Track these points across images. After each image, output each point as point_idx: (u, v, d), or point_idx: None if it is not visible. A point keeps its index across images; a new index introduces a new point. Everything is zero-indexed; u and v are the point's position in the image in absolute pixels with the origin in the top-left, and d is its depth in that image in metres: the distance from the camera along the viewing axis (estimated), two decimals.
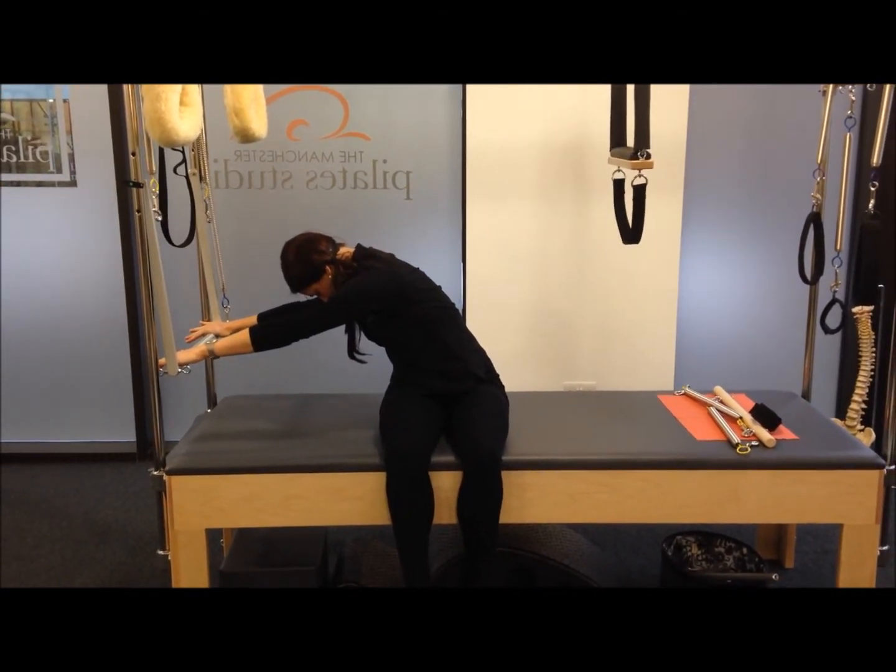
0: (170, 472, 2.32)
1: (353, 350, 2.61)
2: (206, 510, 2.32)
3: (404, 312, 2.42)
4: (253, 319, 2.66)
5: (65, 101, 3.64)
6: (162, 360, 2.36)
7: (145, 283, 2.26)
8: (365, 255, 2.48)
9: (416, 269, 2.49)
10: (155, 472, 2.33)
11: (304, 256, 2.41)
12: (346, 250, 2.50)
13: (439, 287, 2.51)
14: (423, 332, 2.45)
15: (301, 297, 2.57)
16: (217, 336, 2.64)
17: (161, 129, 2.06)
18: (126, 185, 3.53)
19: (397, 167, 3.68)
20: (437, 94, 3.59)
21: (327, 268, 2.42)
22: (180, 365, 2.37)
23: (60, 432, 3.96)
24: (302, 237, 2.46)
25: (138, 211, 2.20)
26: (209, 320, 2.81)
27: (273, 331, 2.41)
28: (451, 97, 3.57)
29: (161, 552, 2.40)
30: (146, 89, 2.03)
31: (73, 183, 3.72)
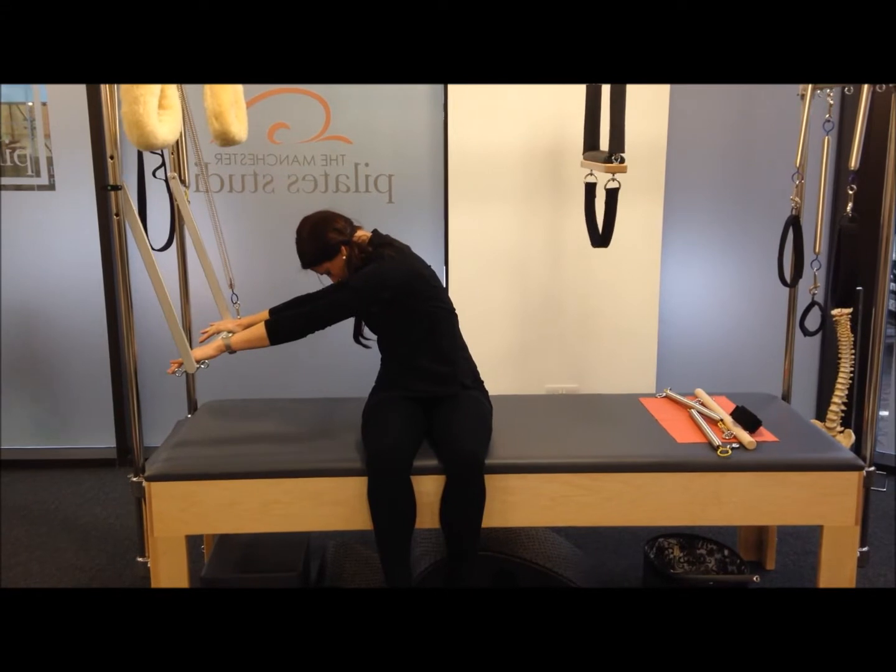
0: (149, 479, 2.30)
1: (358, 335, 2.59)
2: (186, 516, 2.31)
3: (410, 305, 2.40)
4: (265, 314, 2.64)
5: (43, 104, 3.61)
6: (178, 360, 2.34)
7: (124, 287, 2.24)
8: (381, 241, 2.46)
9: (429, 266, 2.48)
10: (134, 479, 2.32)
11: (319, 233, 2.38)
12: (364, 234, 2.47)
13: (445, 288, 2.48)
14: (422, 329, 2.44)
15: (300, 292, 2.56)
16: (230, 333, 2.61)
17: (139, 132, 2.04)
18: (105, 190, 3.50)
19: (379, 171, 3.67)
20: (418, 98, 3.59)
21: (343, 248, 2.39)
22: (198, 361, 2.34)
23: (39, 438, 3.92)
24: (320, 214, 2.43)
25: (117, 215, 2.18)
26: (192, 326, 2.79)
27: (289, 322, 2.37)
28: (433, 101, 3.57)
29: (141, 559, 2.38)
30: (124, 92, 2.01)
31: (51, 187, 3.68)
